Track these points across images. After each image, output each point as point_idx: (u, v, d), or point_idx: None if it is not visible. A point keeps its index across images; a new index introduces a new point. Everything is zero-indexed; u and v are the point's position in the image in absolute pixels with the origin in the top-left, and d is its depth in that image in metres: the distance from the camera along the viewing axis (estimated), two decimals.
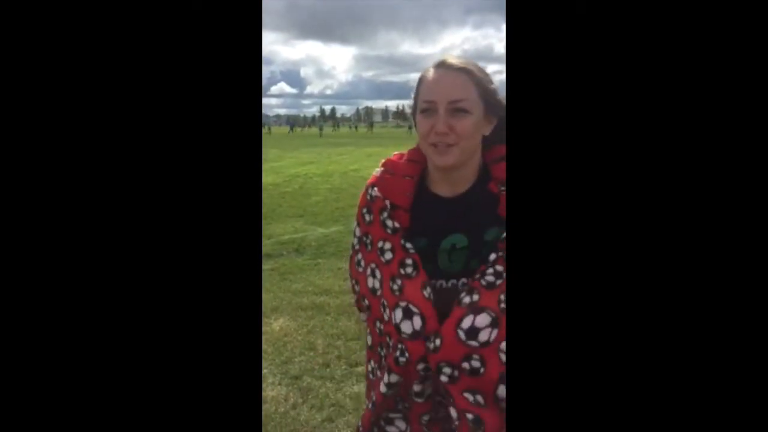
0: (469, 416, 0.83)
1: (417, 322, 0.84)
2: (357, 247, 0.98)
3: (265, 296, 3.57)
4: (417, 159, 0.94)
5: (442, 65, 0.86)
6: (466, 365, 0.82)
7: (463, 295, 0.84)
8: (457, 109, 0.83)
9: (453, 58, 0.86)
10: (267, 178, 9.88)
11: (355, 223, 0.99)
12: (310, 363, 2.65)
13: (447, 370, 0.83)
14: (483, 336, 0.81)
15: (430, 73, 0.87)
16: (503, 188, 0.87)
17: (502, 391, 0.84)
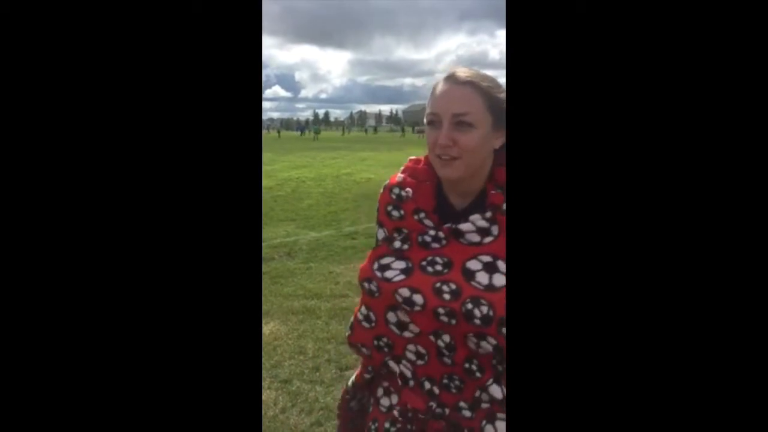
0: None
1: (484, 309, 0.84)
2: (382, 244, 0.96)
3: None
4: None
5: (450, 78, 0.86)
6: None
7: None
8: (460, 123, 0.83)
9: (461, 71, 0.86)
10: None
11: (378, 226, 0.99)
12: (299, 367, 2.64)
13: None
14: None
15: (439, 85, 0.87)
16: (499, 191, 0.88)
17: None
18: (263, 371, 2.59)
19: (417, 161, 0.98)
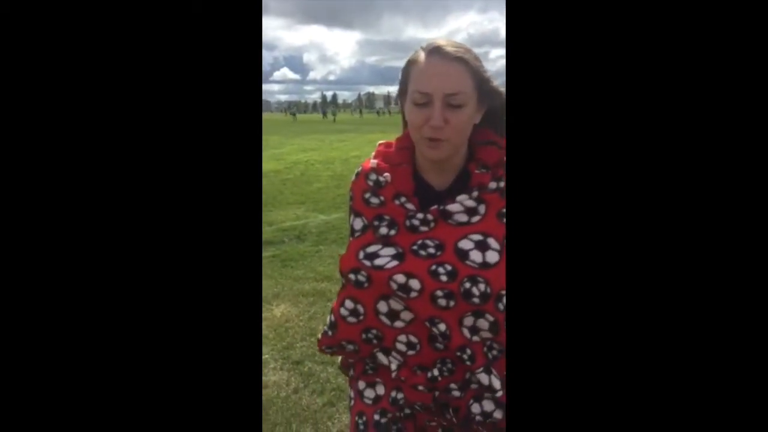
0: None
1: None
2: (362, 233, 0.92)
3: (266, 283, 3.58)
4: (407, 146, 0.92)
5: (436, 52, 0.80)
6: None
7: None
8: (453, 102, 0.79)
9: (449, 45, 0.81)
10: (268, 165, 9.86)
11: (353, 216, 0.94)
12: (311, 348, 2.67)
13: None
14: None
15: (422, 58, 0.81)
16: (483, 170, 0.87)
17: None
18: (275, 353, 2.63)
19: (388, 145, 0.95)
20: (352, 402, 1.01)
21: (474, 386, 0.91)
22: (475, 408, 0.91)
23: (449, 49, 0.80)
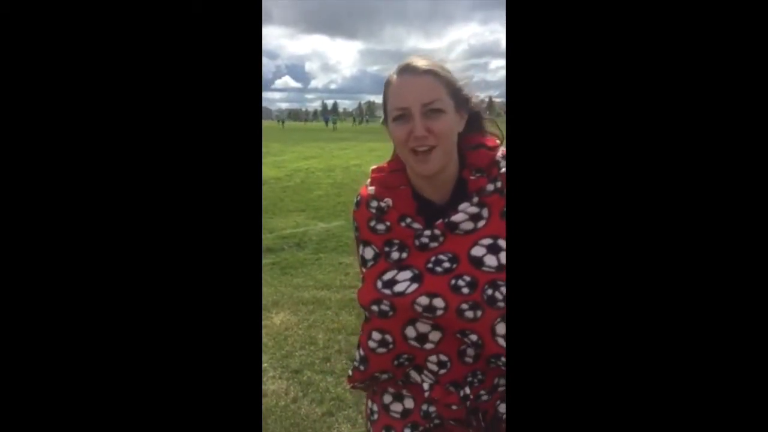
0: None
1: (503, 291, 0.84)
2: (374, 262, 0.92)
3: (266, 290, 3.58)
4: (400, 167, 0.93)
5: (406, 69, 0.85)
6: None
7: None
8: (431, 110, 0.82)
9: (417, 61, 0.85)
10: (269, 172, 9.88)
11: (362, 246, 0.94)
12: (310, 357, 2.66)
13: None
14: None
15: (395, 78, 0.85)
16: (478, 174, 0.88)
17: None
18: (274, 361, 2.62)
19: (381, 170, 0.97)
20: (376, 416, 1.00)
21: (501, 389, 0.92)
22: (503, 408, 0.91)
23: (418, 64, 0.84)
